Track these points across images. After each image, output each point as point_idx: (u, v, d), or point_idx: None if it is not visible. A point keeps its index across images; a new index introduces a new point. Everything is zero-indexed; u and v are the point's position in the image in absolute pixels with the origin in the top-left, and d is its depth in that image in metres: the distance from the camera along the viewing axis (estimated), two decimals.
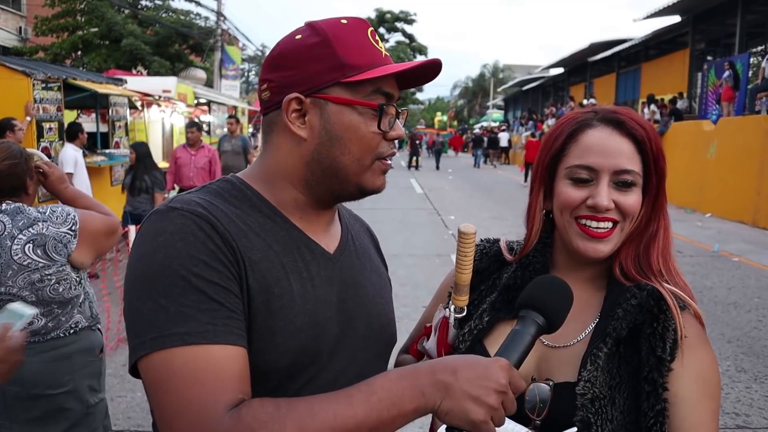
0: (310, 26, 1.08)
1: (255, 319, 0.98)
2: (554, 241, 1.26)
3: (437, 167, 28.78)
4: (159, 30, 23.64)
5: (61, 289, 2.33)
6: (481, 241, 1.37)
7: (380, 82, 1.06)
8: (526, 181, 23.20)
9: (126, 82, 11.15)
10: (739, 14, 17.18)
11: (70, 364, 2.40)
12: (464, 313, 1.25)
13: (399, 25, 48.44)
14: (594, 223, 1.16)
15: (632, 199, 1.16)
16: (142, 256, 0.97)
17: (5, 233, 2.25)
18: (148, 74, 20.59)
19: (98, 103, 10.11)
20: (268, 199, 1.09)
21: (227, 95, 20.41)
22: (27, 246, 2.24)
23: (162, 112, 12.32)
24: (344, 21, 1.08)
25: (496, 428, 1.08)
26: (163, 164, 12.47)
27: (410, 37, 48.28)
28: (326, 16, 1.12)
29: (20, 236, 2.25)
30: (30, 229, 2.26)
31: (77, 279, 2.39)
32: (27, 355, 2.16)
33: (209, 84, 22.05)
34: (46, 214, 2.31)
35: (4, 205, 2.33)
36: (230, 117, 11.94)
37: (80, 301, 2.44)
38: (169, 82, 13.38)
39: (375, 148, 1.08)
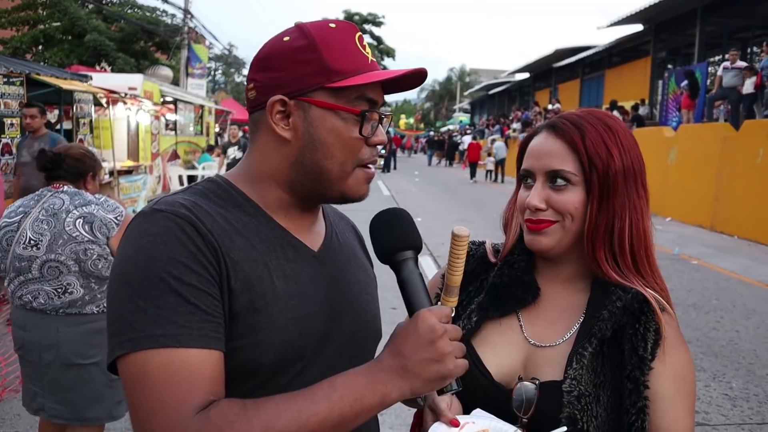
0: (299, 28, 1.09)
1: (239, 318, 0.99)
2: None
3: (395, 167, 29.55)
4: (124, 26, 23.23)
5: (100, 266, 2.70)
6: (468, 243, 1.41)
7: (364, 88, 1.06)
8: (472, 178, 24.47)
9: (91, 78, 10.96)
10: (698, 25, 17.71)
11: (101, 338, 2.60)
12: (453, 314, 1.28)
13: (367, 27, 48.39)
14: (533, 224, 1.22)
15: (565, 197, 1.19)
16: (125, 258, 0.98)
17: (63, 208, 2.69)
18: (113, 71, 20.17)
19: (62, 100, 9.90)
20: (252, 199, 1.10)
21: (194, 94, 20.16)
22: (78, 221, 2.66)
23: (128, 109, 12.11)
24: (333, 25, 1.09)
25: (488, 428, 1.12)
26: (127, 162, 12.35)
27: (378, 39, 48.30)
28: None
29: (74, 211, 2.68)
30: (83, 208, 2.70)
31: None
32: (64, 326, 2.68)
33: (175, 82, 21.74)
34: (101, 200, 2.78)
35: (66, 187, 2.81)
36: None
37: None
38: (135, 80, 13.17)
39: (356, 153, 1.08)
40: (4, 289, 4.08)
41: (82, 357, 2.70)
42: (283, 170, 1.10)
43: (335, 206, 1.33)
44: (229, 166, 12.63)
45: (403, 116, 70.86)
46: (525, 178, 1.25)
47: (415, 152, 47.50)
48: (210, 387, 0.93)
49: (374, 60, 1.12)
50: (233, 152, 13.03)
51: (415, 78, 1.13)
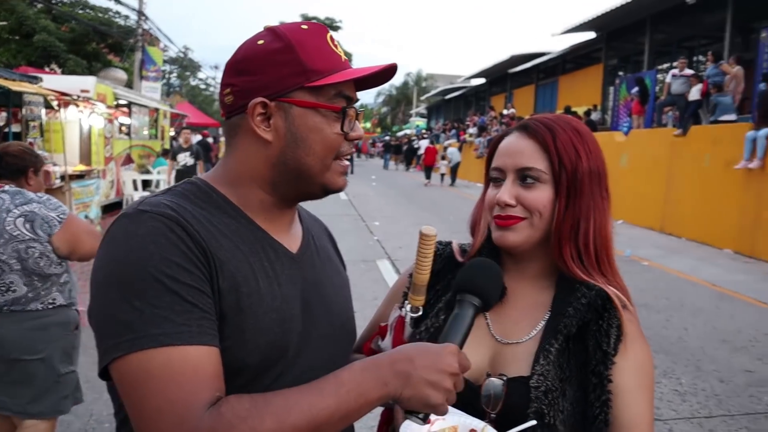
0: (272, 31, 1.11)
1: (225, 318, 1.00)
2: None
3: (351, 171, 29.63)
4: (75, 27, 22.59)
5: (41, 264, 2.70)
6: (435, 243, 1.44)
7: (341, 85, 1.10)
8: (427, 178, 25.18)
9: (41, 80, 10.63)
10: (648, 34, 18.27)
11: (46, 335, 2.75)
12: (420, 313, 1.29)
13: None
14: (501, 220, 1.26)
15: (535, 194, 1.24)
16: (113, 259, 0.97)
17: (3, 207, 2.65)
18: (63, 73, 19.61)
19: (11, 102, 9.60)
20: (232, 201, 1.12)
21: (148, 97, 19.76)
22: (18, 219, 2.64)
23: (80, 112, 11.81)
24: (305, 27, 1.12)
25: (457, 425, 1.16)
26: (79, 166, 12.00)
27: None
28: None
29: (15, 210, 2.65)
30: (24, 207, 2.67)
31: (58, 261, 2.76)
32: (8, 323, 2.70)
33: (129, 85, 21.26)
34: (43, 198, 2.76)
35: (6, 186, 2.77)
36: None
37: (61, 281, 2.82)
38: (87, 82, 12.82)
39: (336, 147, 1.12)
40: None
41: (28, 353, 2.71)
42: (264, 171, 1.12)
43: (308, 210, 1.36)
44: (179, 173, 11.95)
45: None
46: (495, 177, 1.29)
47: (371, 156, 47.77)
48: (215, 384, 0.94)
49: (347, 58, 1.15)
50: (184, 158, 12.17)
51: (384, 74, 1.16)
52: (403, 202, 17.65)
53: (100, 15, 23.90)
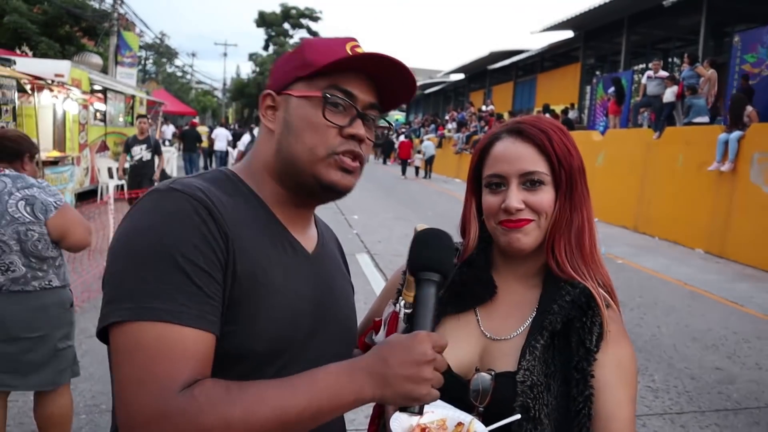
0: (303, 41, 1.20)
1: (240, 304, 1.02)
2: (493, 242, 1.37)
3: None
4: (48, 9, 22.13)
5: (39, 246, 2.85)
6: None
7: (338, 79, 1.11)
8: (403, 174, 25.60)
9: (15, 63, 10.40)
10: (625, 34, 18.51)
11: (46, 314, 2.94)
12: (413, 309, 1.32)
13: (304, 21, 48.12)
14: (512, 223, 1.27)
15: (541, 196, 1.27)
16: (135, 229, 1.00)
17: (5, 190, 2.80)
18: (35, 56, 19.18)
19: None
20: (257, 193, 1.16)
21: (124, 83, 19.45)
22: (20, 202, 2.79)
23: (54, 97, 11.58)
24: (333, 37, 1.18)
25: (445, 418, 1.17)
26: (53, 153, 11.77)
27: (314, 34, 47.99)
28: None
29: (17, 193, 2.80)
30: (26, 190, 2.83)
31: (54, 245, 2.93)
32: (9, 304, 2.87)
33: (104, 71, 20.92)
34: (43, 184, 2.94)
35: (7, 171, 2.93)
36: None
37: (56, 264, 2.99)
38: (62, 66, 12.56)
39: (327, 140, 1.11)
40: None
41: (28, 331, 2.88)
42: (270, 160, 1.16)
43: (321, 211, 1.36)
44: (133, 168, 10.12)
45: None
46: (495, 183, 1.29)
47: None
48: (199, 368, 0.95)
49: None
50: (139, 152, 9.98)
51: (406, 88, 1.18)
52: (381, 195, 17.67)
53: None
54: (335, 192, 1.16)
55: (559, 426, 1.21)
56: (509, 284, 1.35)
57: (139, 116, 11.61)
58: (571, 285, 1.26)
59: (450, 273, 1.15)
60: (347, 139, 1.13)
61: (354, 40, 1.17)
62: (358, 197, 16.45)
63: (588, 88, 19.89)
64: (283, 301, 1.08)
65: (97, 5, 23.98)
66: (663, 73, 14.51)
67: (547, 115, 18.34)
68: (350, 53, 1.13)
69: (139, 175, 10.00)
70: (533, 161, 1.27)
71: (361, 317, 1.43)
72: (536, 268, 1.34)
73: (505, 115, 23.62)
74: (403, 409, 1.03)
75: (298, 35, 47.96)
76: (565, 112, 18.65)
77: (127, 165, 10.45)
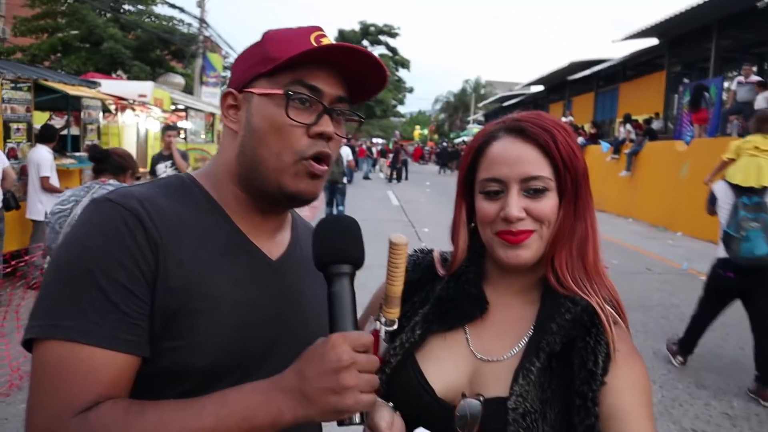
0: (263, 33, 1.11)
1: (176, 317, 0.95)
2: (486, 253, 1.24)
3: (406, 177, 30.05)
4: (140, 35, 23.50)
5: None
6: (414, 251, 1.35)
7: (302, 74, 1.04)
8: None
9: (100, 85, 11.02)
10: (714, 40, 17.54)
11: None
12: (395, 326, 1.19)
13: (383, 38, 48.72)
14: (512, 236, 1.14)
15: (544, 204, 1.13)
16: (64, 242, 0.97)
17: None
18: (128, 78, 20.40)
19: (70, 105, 9.98)
20: (214, 197, 1.09)
21: (206, 102, 20.28)
22: None
23: (136, 116, 12.18)
24: (295, 27, 1.10)
25: None
26: (142, 169, 12.37)
27: (393, 50, 48.56)
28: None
29: None
30: None
31: None
32: None
33: (189, 90, 21.89)
34: None
35: (110, 180, 3.30)
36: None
37: None
38: (145, 87, 13.26)
39: (294, 143, 1.04)
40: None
41: None
42: (233, 164, 1.09)
43: (306, 216, 1.29)
44: None
45: (417, 127, 71.01)
46: (494, 190, 1.16)
47: (426, 162, 48.21)
48: (103, 390, 0.89)
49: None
50: (164, 170, 8.32)
51: (375, 79, 1.10)
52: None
53: (164, 23, 24.80)
54: (300, 201, 1.10)
55: None
56: (503, 299, 1.22)
57: (167, 128, 9.56)
58: (572, 301, 1.13)
59: (361, 261, 1.01)
60: (315, 139, 1.05)
61: (319, 29, 1.09)
62: (432, 210, 16.43)
63: (674, 97, 18.97)
64: (230, 312, 1.00)
65: (185, 30, 25.19)
66: (755, 78, 13.64)
67: (628, 125, 17.74)
68: (314, 44, 1.05)
69: None
70: (536, 164, 1.13)
71: None
72: (534, 282, 1.20)
73: (586, 126, 22.94)
74: (340, 423, 0.92)
75: (377, 51, 48.54)
76: (648, 121, 17.84)
77: None
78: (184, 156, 8.60)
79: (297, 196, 1.08)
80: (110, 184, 3.30)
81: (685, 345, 5.37)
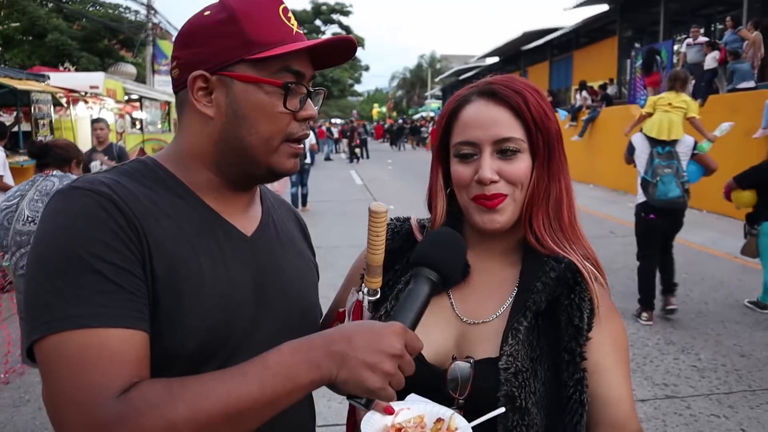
0: (221, 2, 1.06)
1: (159, 301, 0.94)
2: (464, 217, 1.26)
3: (367, 156, 30.10)
4: (86, 24, 22.73)
5: None
6: (392, 220, 1.34)
7: (288, 59, 1.03)
8: None
9: (49, 78, 10.68)
10: (663, 3, 17.83)
11: None
12: (378, 296, 1.20)
13: (335, 16, 48.17)
14: (487, 201, 1.16)
15: (517, 166, 1.15)
16: (42, 238, 0.93)
17: (54, 188, 3.09)
18: (77, 71, 19.77)
19: (19, 101, 9.66)
20: (182, 180, 1.07)
21: (160, 90, 19.81)
22: None
23: (89, 108, 11.85)
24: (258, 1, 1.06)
25: (423, 414, 1.07)
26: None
27: (346, 28, 48.03)
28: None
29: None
30: None
31: None
32: None
33: (141, 79, 21.35)
34: None
35: (54, 171, 3.32)
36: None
37: None
38: (96, 78, 12.87)
39: (284, 128, 1.05)
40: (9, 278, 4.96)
41: None
42: (208, 150, 1.07)
43: (276, 192, 1.29)
44: None
45: (375, 105, 70.72)
46: (464, 152, 1.17)
47: (382, 141, 48.14)
48: (132, 369, 0.87)
49: (299, 32, 1.08)
50: (99, 166, 7.59)
51: (343, 48, 1.10)
52: (419, 185, 17.41)
53: (110, 11, 24.03)
54: (283, 176, 1.12)
55: (549, 414, 1.10)
56: (485, 262, 1.23)
57: (95, 121, 8.70)
58: (555, 260, 1.15)
59: (450, 281, 1.09)
60: (301, 123, 1.08)
61: (280, 1, 1.08)
62: (397, 187, 16.44)
63: (627, 62, 19.26)
64: (213, 291, 1.00)
65: (132, 17, 24.48)
66: (702, 39, 13.94)
67: (584, 92, 17.98)
68: (285, 21, 1.06)
69: None
70: (508, 126, 1.15)
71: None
72: (514, 244, 1.22)
73: None
74: (350, 398, 0.94)
75: (330, 31, 48.03)
76: (603, 87, 18.13)
77: None
78: (122, 152, 7.94)
79: (284, 174, 1.11)
80: (54, 175, 3.34)
81: (644, 301, 5.59)
